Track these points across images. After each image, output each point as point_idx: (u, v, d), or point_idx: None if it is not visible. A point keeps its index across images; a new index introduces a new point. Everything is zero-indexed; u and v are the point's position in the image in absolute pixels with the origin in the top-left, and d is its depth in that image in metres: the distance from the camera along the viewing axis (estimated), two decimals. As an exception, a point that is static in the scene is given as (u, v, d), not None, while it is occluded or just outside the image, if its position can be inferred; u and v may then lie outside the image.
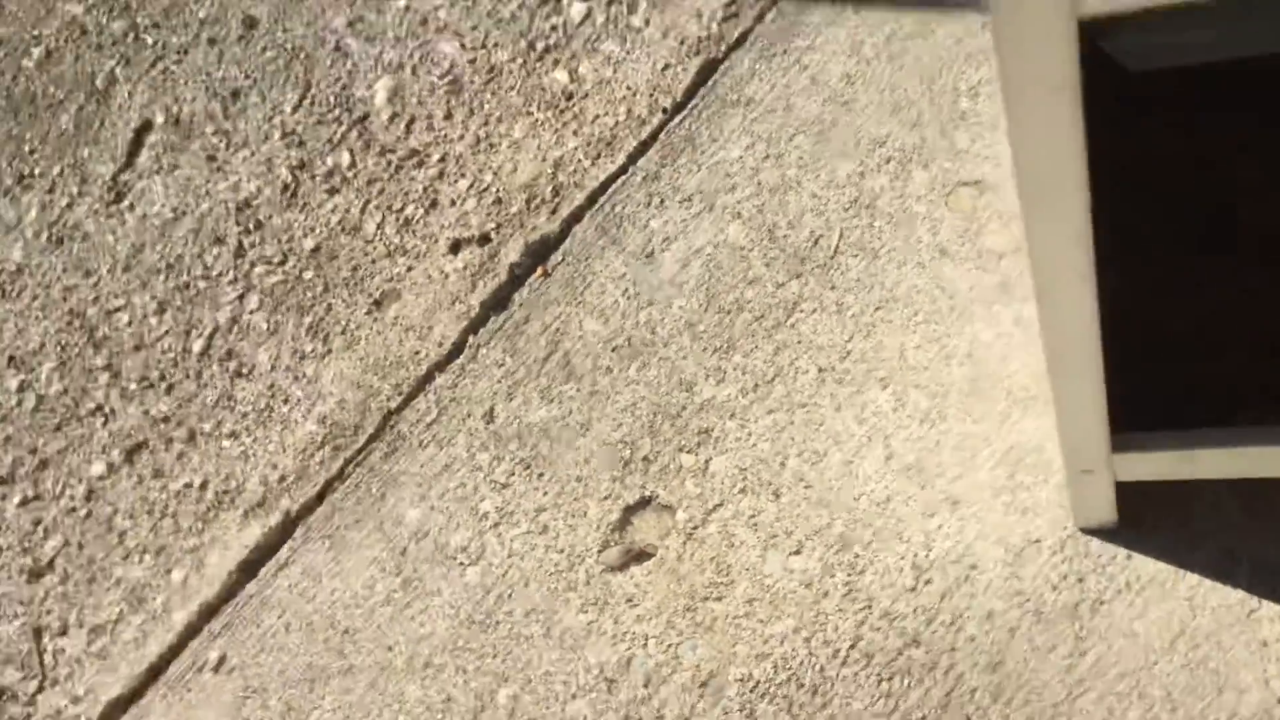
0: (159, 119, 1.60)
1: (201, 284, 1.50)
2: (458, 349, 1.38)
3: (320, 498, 1.34)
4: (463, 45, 1.54)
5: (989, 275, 1.25)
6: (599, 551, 1.24)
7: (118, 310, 1.51)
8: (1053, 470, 1.15)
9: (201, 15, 1.65)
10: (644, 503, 1.25)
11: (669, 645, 1.19)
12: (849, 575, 1.17)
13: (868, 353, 1.25)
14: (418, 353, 1.39)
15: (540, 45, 1.52)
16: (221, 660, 1.29)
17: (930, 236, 1.28)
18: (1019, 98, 0.65)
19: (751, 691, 1.14)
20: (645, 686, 1.18)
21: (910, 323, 1.25)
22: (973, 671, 1.09)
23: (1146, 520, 1.10)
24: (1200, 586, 1.08)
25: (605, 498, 1.27)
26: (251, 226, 1.51)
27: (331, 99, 1.56)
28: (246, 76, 1.61)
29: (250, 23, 1.63)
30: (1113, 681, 1.06)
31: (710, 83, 1.43)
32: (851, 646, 1.14)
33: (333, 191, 1.50)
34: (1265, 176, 0.99)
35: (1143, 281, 0.99)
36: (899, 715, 1.09)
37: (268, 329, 1.45)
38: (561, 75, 1.49)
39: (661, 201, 1.38)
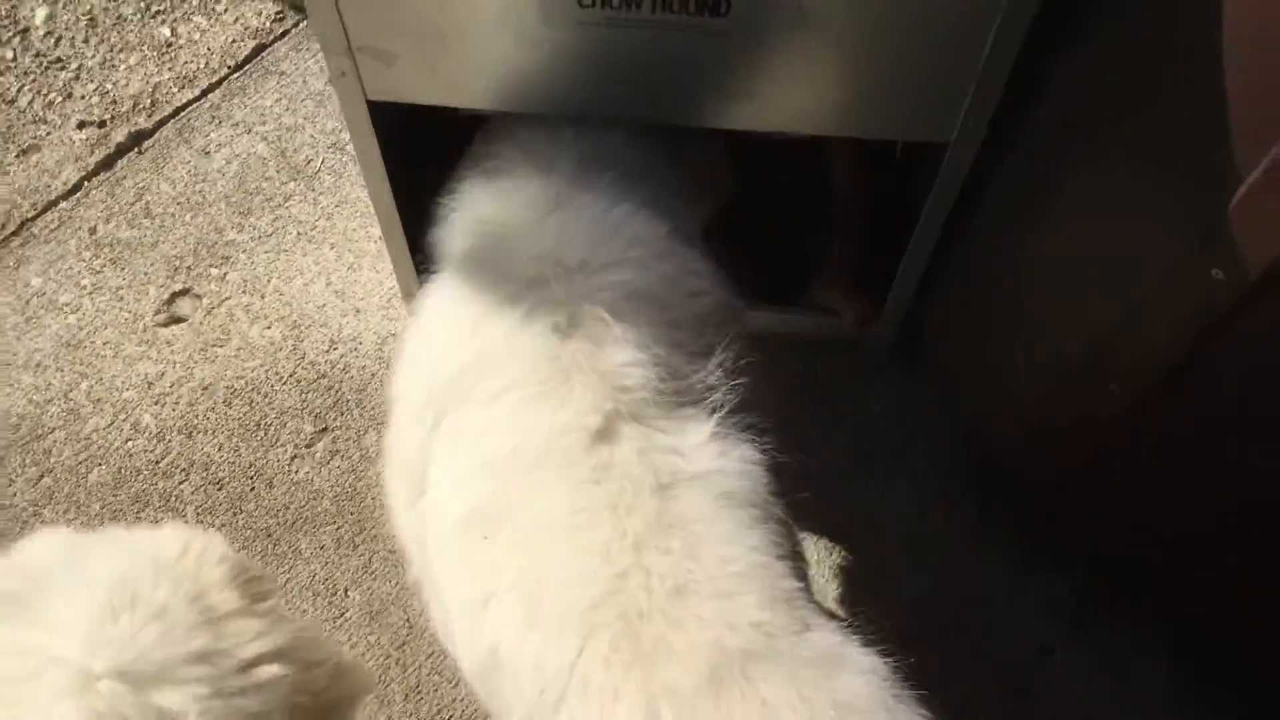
0: None
1: (-107, 118, 2.25)
2: (76, 188, 2.24)
3: (-26, 263, 2.16)
4: (100, -4, 2.39)
5: (398, 196, 2.30)
6: (153, 314, 2.17)
7: None
8: (410, 300, 2.21)
9: (-97, -70, 2.37)
10: (184, 292, 2.19)
11: (188, 368, 2.14)
12: (296, 342, 2.17)
13: (326, 228, 2.27)
14: (49, 186, 2.24)
15: (154, 8, 2.40)
16: (-102, 350, 2.08)
17: (373, 170, 2.31)
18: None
19: (233, 395, 2.13)
20: (169, 385, 2.12)
21: (352, 215, 2.28)
22: (350, 390, 2.14)
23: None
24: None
25: (161, 286, 2.19)
26: (-66, 86, 2.28)
27: (3, 13, 2.35)
28: (-63, -18, 2.35)
29: (-58, -55, 2.37)
30: (416, 400, 2.15)
31: (260, 56, 2.38)
32: (291, 375, 2.15)
33: (-3, 74, 2.30)
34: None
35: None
36: (309, 411, 2.12)
37: (-58, 155, 2.23)
38: (165, 30, 2.38)
39: (219, 122, 2.32)
